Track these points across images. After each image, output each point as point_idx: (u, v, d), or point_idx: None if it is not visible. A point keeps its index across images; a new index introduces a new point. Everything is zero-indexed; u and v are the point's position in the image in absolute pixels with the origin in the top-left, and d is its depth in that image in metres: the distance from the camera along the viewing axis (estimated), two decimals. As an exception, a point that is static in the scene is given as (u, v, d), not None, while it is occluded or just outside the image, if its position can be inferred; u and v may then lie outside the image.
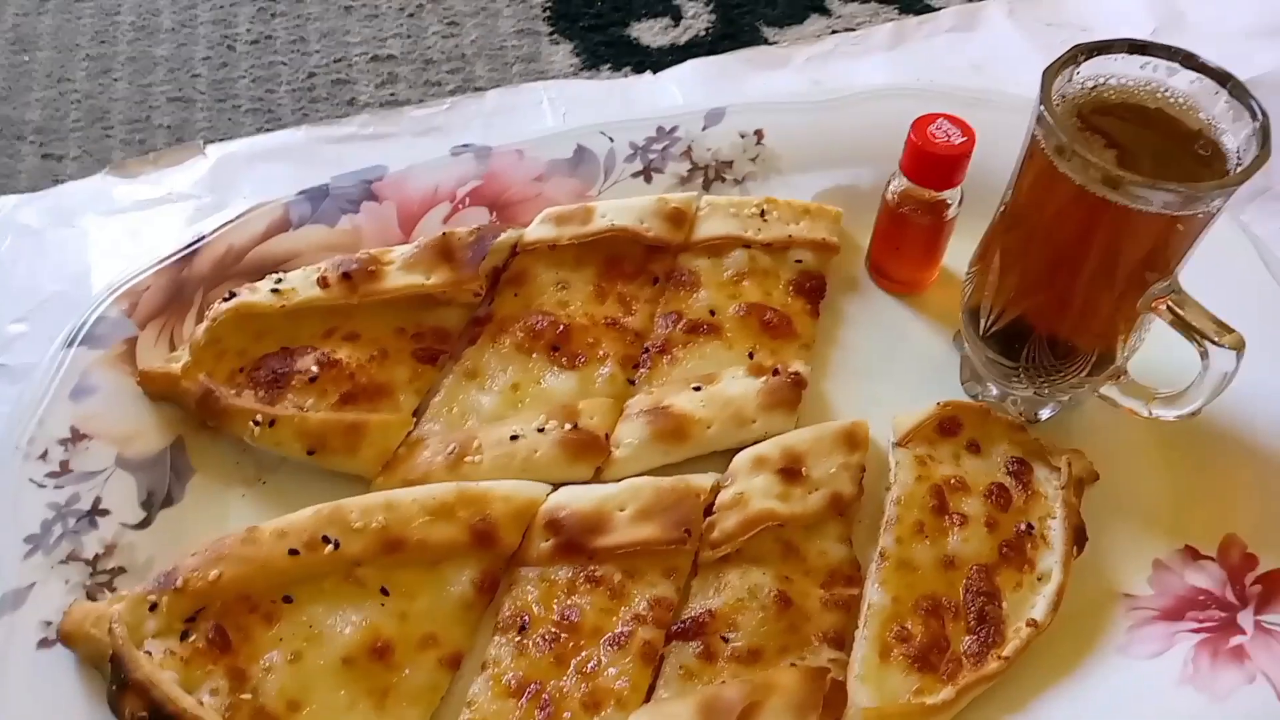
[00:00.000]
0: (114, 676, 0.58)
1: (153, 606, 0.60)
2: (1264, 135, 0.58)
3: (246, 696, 0.58)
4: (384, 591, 0.62)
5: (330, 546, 0.62)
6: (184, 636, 0.59)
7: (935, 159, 0.72)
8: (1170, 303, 0.62)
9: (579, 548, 0.65)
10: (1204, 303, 0.63)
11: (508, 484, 0.67)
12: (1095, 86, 0.62)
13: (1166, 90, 0.62)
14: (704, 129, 0.85)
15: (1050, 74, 0.60)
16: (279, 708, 0.59)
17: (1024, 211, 0.65)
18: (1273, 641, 0.63)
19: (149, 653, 0.58)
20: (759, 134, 0.85)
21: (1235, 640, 0.63)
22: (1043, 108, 0.59)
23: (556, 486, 0.69)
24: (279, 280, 0.73)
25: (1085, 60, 0.61)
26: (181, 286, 0.75)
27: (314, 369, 0.70)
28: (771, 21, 1.03)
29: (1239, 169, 0.58)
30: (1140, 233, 0.59)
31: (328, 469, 0.69)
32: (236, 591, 0.61)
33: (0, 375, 0.76)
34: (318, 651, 0.60)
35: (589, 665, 0.61)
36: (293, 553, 0.62)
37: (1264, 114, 0.58)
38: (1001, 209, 0.67)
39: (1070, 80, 0.62)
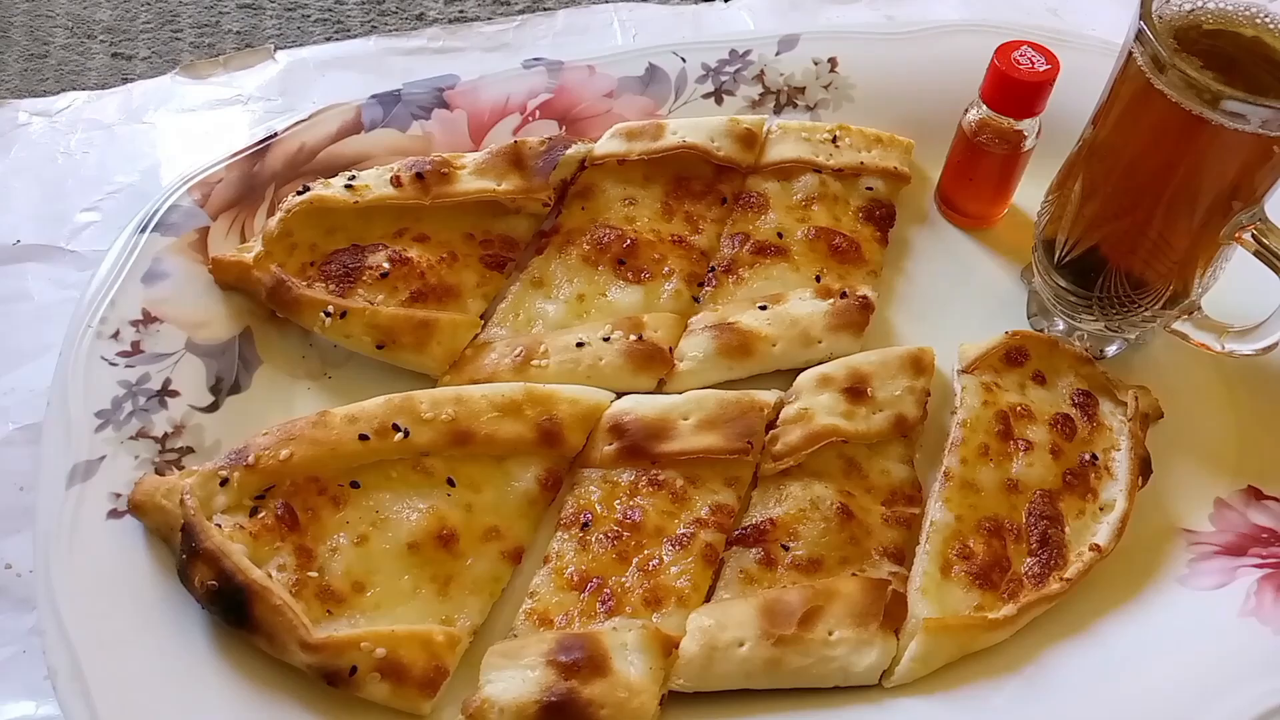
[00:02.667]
0: (184, 546, 0.59)
1: (224, 482, 0.60)
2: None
3: (313, 574, 0.59)
4: (450, 483, 0.63)
5: (400, 434, 0.62)
6: (253, 513, 0.60)
7: (1018, 85, 0.71)
8: (1256, 231, 0.61)
9: (642, 452, 0.65)
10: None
11: (574, 388, 0.67)
12: (1193, 10, 0.61)
13: (1266, 16, 0.61)
14: (777, 54, 0.84)
15: (1149, -8, 0.59)
16: (344, 587, 0.59)
17: (1110, 138, 0.64)
18: (1338, 579, 0.62)
19: (219, 526, 0.59)
20: (833, 62, 0.84)
21: (1300, 576, 0.63)
22: (1142, 22, 0.58)
23: (620, 395, 0.69)
24: (353, 177, 0.73)
25: (1184, -19, 0.61)
26: (254, 180, 0.75)
27: (385, 265, 0.70)
28: (845, -43, 1.01)
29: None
30: (1233, 155, 0.59)
31: (395, 365, 0.69)
32: (306, 472, 0.61)
33: (70, 261, 0.77)
34: (383, 536, 0.61)
35: (651, 563, 0.61)
36: (363, 438, 0.62)
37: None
38: (1083, 138, 0.67)
39: (1168, 2, 0.61)
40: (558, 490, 0.65)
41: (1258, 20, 0.61)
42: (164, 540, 0.61)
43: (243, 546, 0.58)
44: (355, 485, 0.62)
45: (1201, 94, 0.56)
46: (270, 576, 0.58)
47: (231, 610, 0.57)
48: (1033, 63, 0.71)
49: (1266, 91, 0.60)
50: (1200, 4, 0.62)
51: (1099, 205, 0.66)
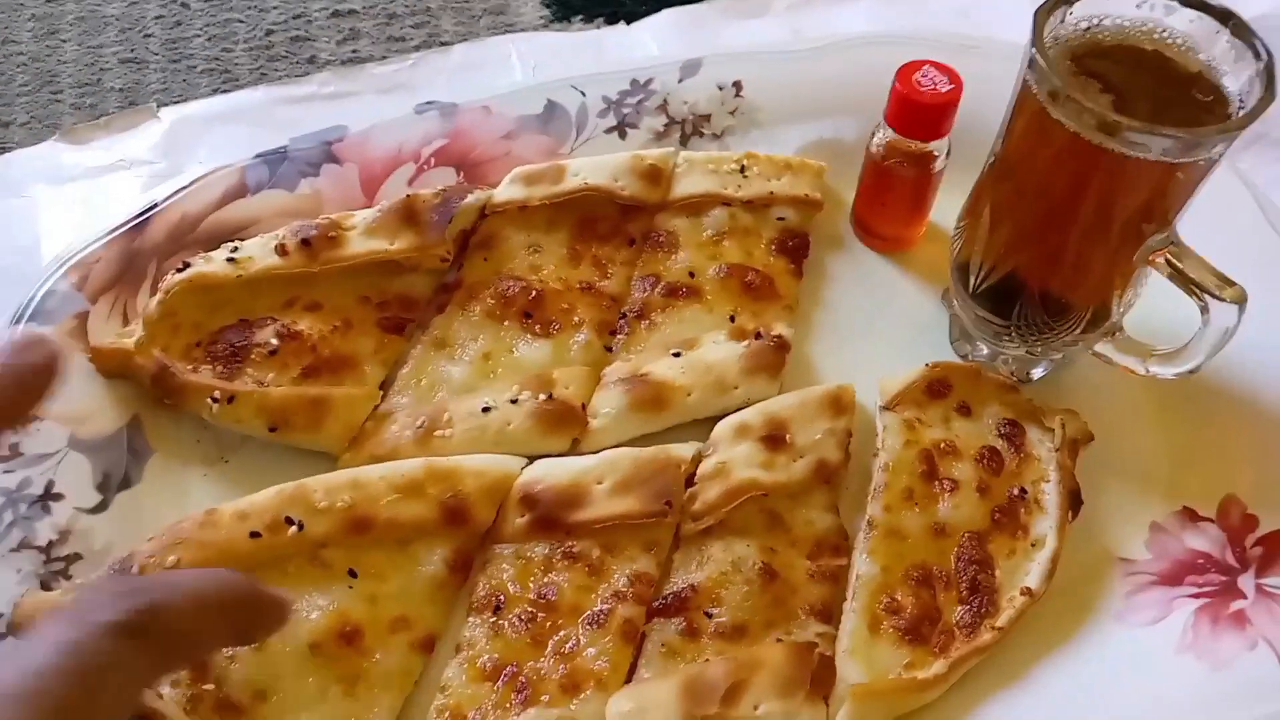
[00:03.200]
0: None
1: (109, 595, 0.57)
2: (1269, 77, 0.55)
3: (209, 687, 0.56)
4: (352, 574, 0.60)
5: (294, 528, 0.59)
6: None
7: (921, 108, 0.68)
8: (1168, 255, 0.59)
9: (556, 523, 0.63)
10: (1201, 254, 0.60)
11: (480, 458, 0.64)
12: (1089, 28, 0.59)
13: (1164, 31, 0.59)
14: (680, 81, 0.81)
15: (1042, 14, 0.57)
16: (244, 698, 0.56)
17: (1015, 162, 0.62)
18: (1275, 605, 0.61)
19: None
20: (737, 86, 0.81)
21: (1236, 605, 0.61)
22: (1034, 50, 0.55)
23: (532, 459, 0.66)
24: (235, 249, 0.69)
25: (1078, 0, 0.58)
26: (134, 257, 0.71)
27: (274, 341, 0.67)
28: (750, -33, 0.98)
29: (1242, 112, 0.55)
30: (1137, 182, 0.56)
31: (292, 446, 0.66)
32: None
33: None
34: (283, 638, 0.57)
35: (567, 645, 0.59)
36: (254, 535, 0.59)
37: (1268, 54, 0.55)
38: (991, 160, 0.64)
39: (1063, 21, 0.58)
40: (468, 571, 0.62)
41: (1156, 35, 0.59)
42: None
43: None
44: None
45: (1098, 123, 0.54)
46: (161, 697, 0.55)
47: None
48: (935, 84, 0.69)
49: (1171, 108, 0.58)
50: (1097, 21, 0.59)
51: (1010, 231, 0.64)
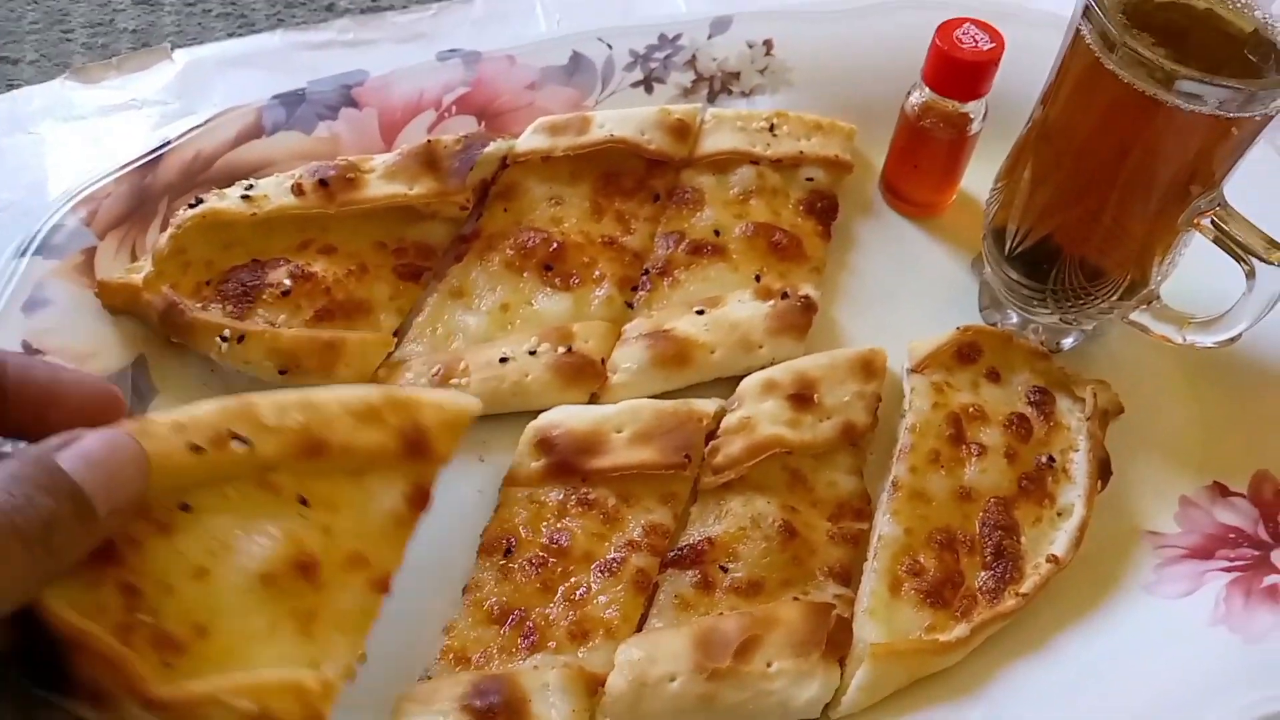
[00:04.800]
0: None
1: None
2: (1327, 35, 0.53)
3: (145, 618, 0.48)
4: (303, 502, 0.54)
5: (241, 445, 0.52)
6: None
7: (961, 66, 0.67)
8: (1215, 217, 0.57)
9: (572, 469, 0.61)
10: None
11: (439, 392, 0.61)
12: (1145, -18, 0.57)
13: (1220, -13, 0.57)
14: (709, 37, 0.79)
15: (1098, -36, 0.55)
16: (184, 632, 0.49)
17: (1060, 120, 0.60)
18: (1309, 581, 0.59)
19: None
20: (768, 44, 0.79)
21: (1269, 579, 0.59)
22: (1090, 1, 0.54)
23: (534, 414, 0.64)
24: (250, 186, 0.67)
25: (1133, -47, 0.56)
26: (145, 194, 0.69)
27: (287, 282, 0.65)
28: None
29: (1301, 69, 0.54)
30: (1189, 138, 0.55)
31: (301, 390, 0.64)
32: None
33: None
34: (228, 568, 0.51)
35: (578, 592, 0.57)
36: (195, 449, 0.51)
37: (1328, 12, 0.54)
38: (1032, 121, 0.63)
39: (1118, -26, 0.57)
40: (425, 507, 0.57)
41: (1211, -9, 0.57)
42: None
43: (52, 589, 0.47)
44: (186, 509, 0.51)
45: (1154, 73, 0.52)
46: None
47: (43, 670, 0.46)
48: (976, 41, 0.67)
49: (1221, 68, 0.56)
50: (1153, -24, 0.57)
51: (1050, 192, 0.62)
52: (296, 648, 0.51)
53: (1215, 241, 0.58)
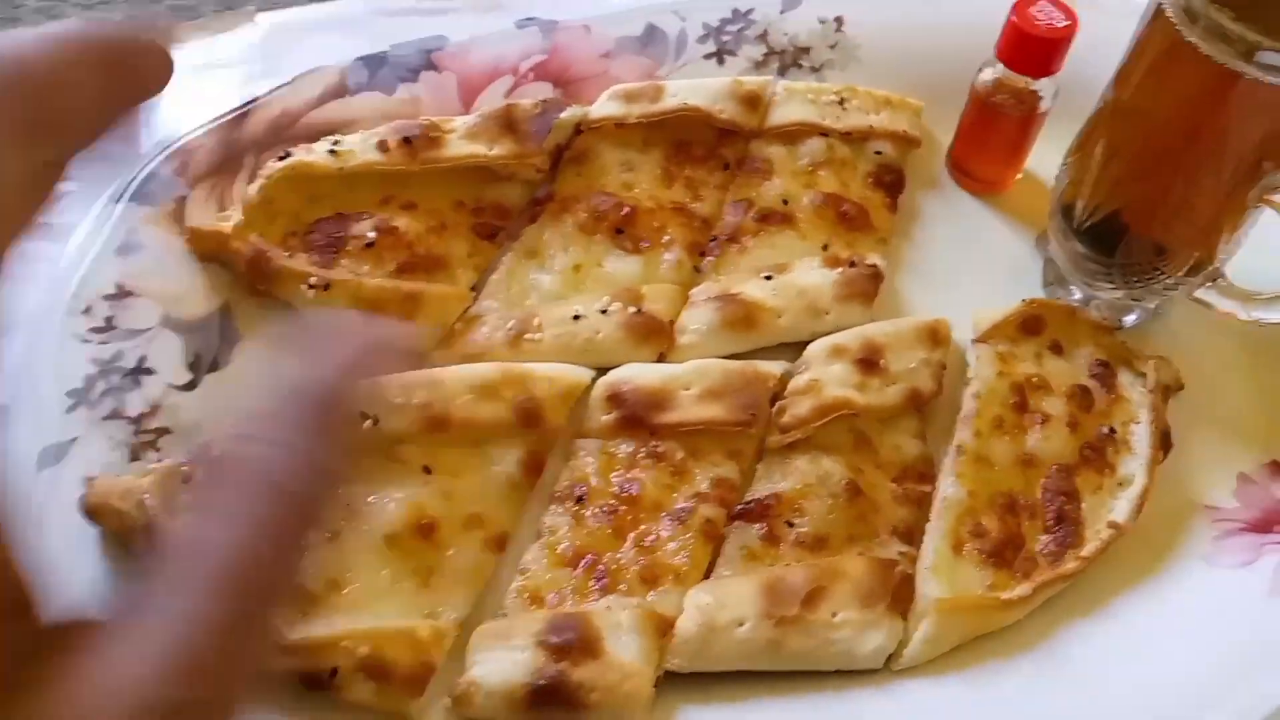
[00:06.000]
0: (143, 551, 0.55)
1: (186, 479, 0.57)
2: None
3: None
4: (427, 470, 0.59)
5: (370, 422, 0.58)
6: None
7: (1036, 41, 0.68)
8: (1287, 193, 0.58)
9: (641, 422, 0.63)
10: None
11: (551, 366, 0.64)
12: (1224, -44, 0.58)
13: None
14: (782, 13, 0.81)
15: (1179, -64, 0.56)
16: (318, 586, 0.55)
17: (1136, 96, 0.61)
18: (1367, 557, 0.60)
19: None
20: (839, 21, 0.80)
21: (1329, 554, 0.60)
22: (1173, -31, 0.55)
23: (603, 371, 0.66)
24: (336, 142, 0.69)
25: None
26: (233, 148, 0.71)
27: (371, 235, 0.67)
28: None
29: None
30: (1266, 112, 0.55)
31: (380, 340, 0.66)
32: None
33: (42, 232, 0.73)
34: (358, 529, 0.57)
35: (648, 539, 0.59)
36: None
37: None
38: (1103, 101, 0.63)
39: (1198, -53, 0.57)
40: (540, 473, 0.62)
41: (1294, -33, 0.58)
42: (123, 546, 0.57)
43: None
44: None
45: (1236, 45, 0.53)
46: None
47: None
48: (1051, 19, 0.68)
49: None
50: (1230, -48, 0.58)
51: (1121, 168, 0.63)
52: (416, 599, 0.56)
53: (1287, 218, 0.58)
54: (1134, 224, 0.64)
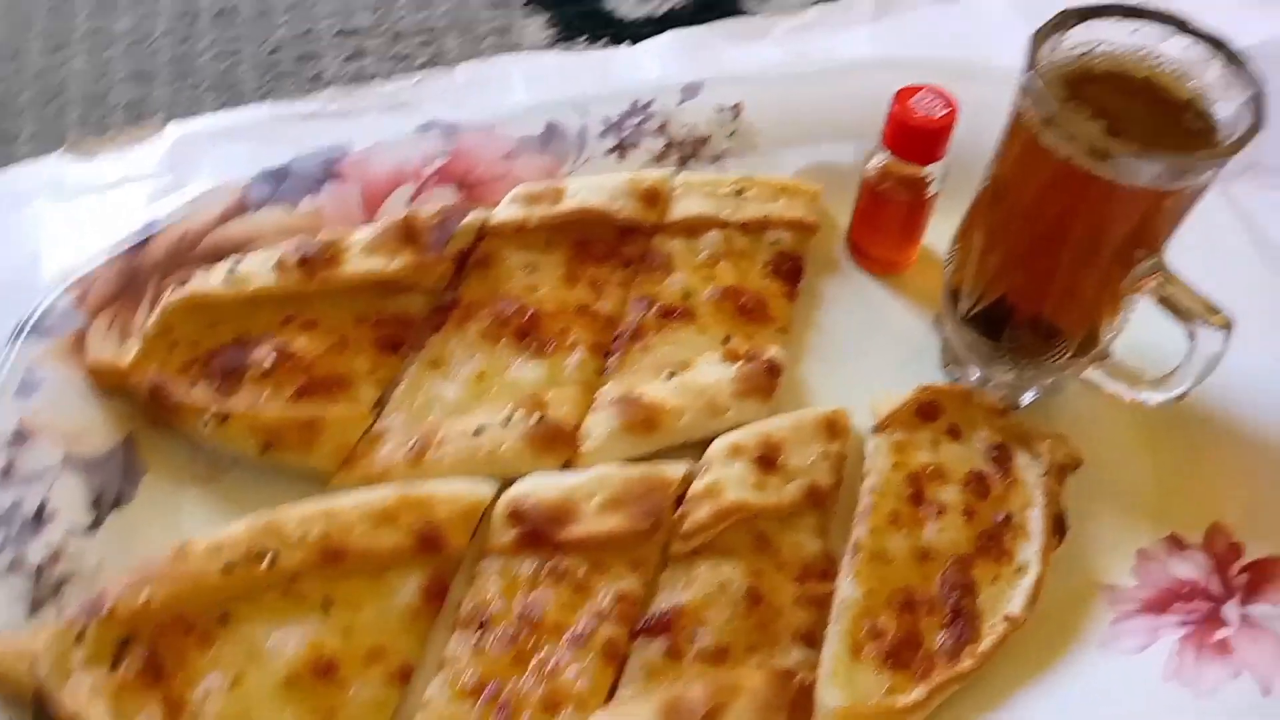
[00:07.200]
0: (38, 716, 0.55)
1: (80, 636, 0.57)
2: (1258, 106, 0.55)
3: None
4: (326, 604, 0.60)
5: (267, 560, 0.59)
6: (115, 665, 0.56)
7: (917, 131, 0.69)
8: (1157, 282, 0.59)
9: (543, 539, 0.63)
10: (1191, 280, 0.60)
11: (451, 484, 0.65)
12: (1084, 54, 0.59)
13: (1157, 58, 0.59)
14: (680, 103, 0.82)
15: (1038, 39, 0.57)
16: None
17: (1007, 187, 0.62)
18: (1258, 634, 0.61)
19: (79, 685, 0.55)
20: (737, 108, 0.82)
21: (1220, 634, 0.61)
22: (1029, 74, 0.56)
23: (506, 485, 0.66)
24: (234, 266, 0.70)
25: (1074, 25, 0.58)
26: (134, 274, 0.72)
27: (269, 361, 0.68)
28: (752, -10, 0.99)
29: (1231, 140, 0.56)
30: (1127, 208, 0.57)
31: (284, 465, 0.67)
32: (169, 614, 0.58)
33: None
34: (259, 673, 0.57)
35: (549, 664, 0.59)
36: (227, 569, 0.59)
37: (1258, 83, 0.56)
38: (984, 185, 0.65)
39: (1057, 48, 0.59)
40: (443, 598, 0.62)
41: (1148, 62, 0.59)
42: (18, 708, 0.57)
43: (105, 708, 0.54)
44: (224, 620, 0.58)
45: (1088, 149, 0.54)
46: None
47: None
48: (931, 108, 0.69)
49: (1161, 137, 0.58)
50: (1091, 47, 0.60)
51: (1001, 256, 0.64)
52: None
53: (1158, 305, 0.60)
54: (1018, 309, 0.65)
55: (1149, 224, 0.59)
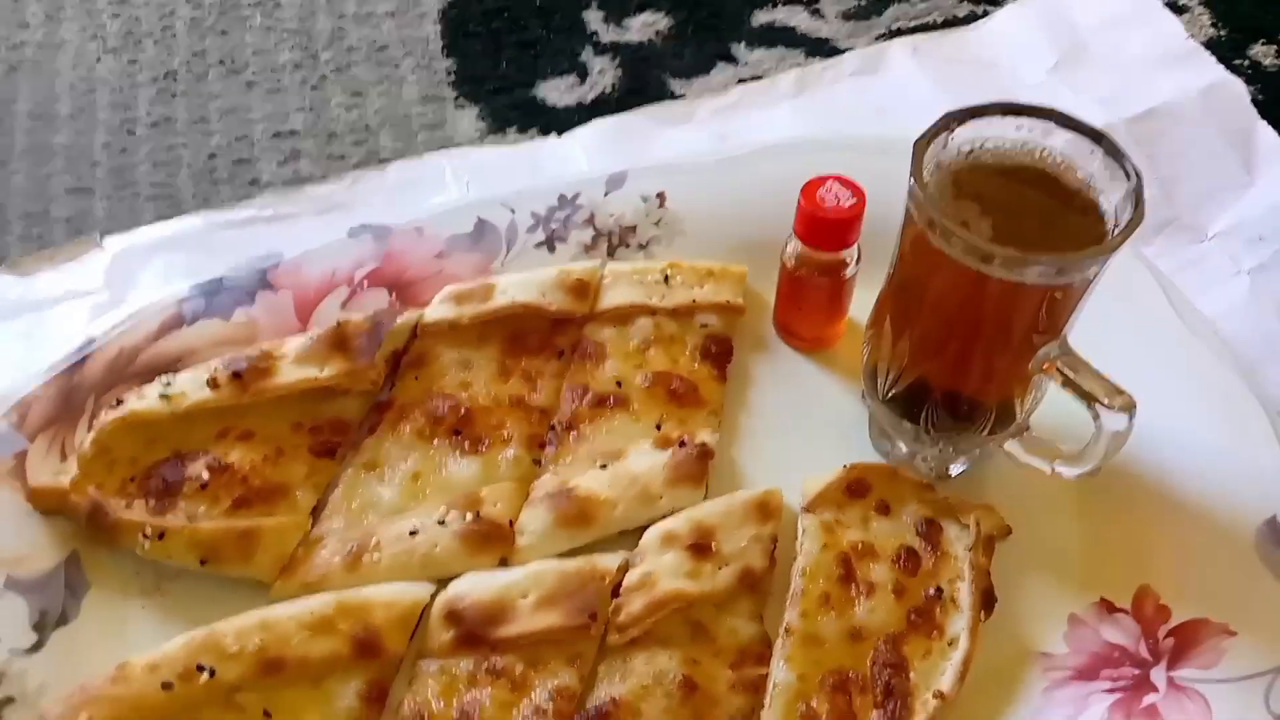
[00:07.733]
0: None
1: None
2: (1137, 197, 0.57)
3: None
4: (267, 715, 0.60)
5: (206, 675, 0.60)
6: None
7: (826, 223, 0.71)
8: (1060, 365, 0.61)
9: (480, 639, 0.64)
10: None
11: (388, 588, 0.66)
12: (971, 151, 0.62)
13: (1044, 150, 0.62)
14: (606, 194, 0.84)
15: (922, 144, 0.60)
16: None
17: (909, 279, 0.64)
18: (1184, 699, 0.62)
19: None
20: (661, 197, 0.84)
21: (1148, 699, 0.62)
22: (912, 180, 0.58)
23: (443, 584, 0.67)
24: (168, 384, 0.71)
25: (959, 126, 0.61)
26: (72, 393, 0.73)
27: (205, 475, 0.69)
28: (678, 73, 1.02)
29: (1116, 230, 0.58)
30: (1020, 302, 0.59)
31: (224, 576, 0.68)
32: None
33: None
34: None
35: (488, 768, 0.60)
36: (166, 686, 0.59)
37: (1137, 175, 0.58)
38: (890, 274, 0.67)
39: (945, 147, 0.61)
40: (383, 702, 0.63)
41: (1036, 155, 0.62)
42: None
43: None
44: None
45: (973, 252, 0.56)
46: None
47: None
48: (839, 199, 0.71)
49: (1053, 226, 0.60)
50: (979, 144, 0.62)
51: (910, 341, 0.66)
52: None
53: (1062, 386, 0.61)
54: (934, 388, 0.67)
55: (1044, 313, 0.60)
